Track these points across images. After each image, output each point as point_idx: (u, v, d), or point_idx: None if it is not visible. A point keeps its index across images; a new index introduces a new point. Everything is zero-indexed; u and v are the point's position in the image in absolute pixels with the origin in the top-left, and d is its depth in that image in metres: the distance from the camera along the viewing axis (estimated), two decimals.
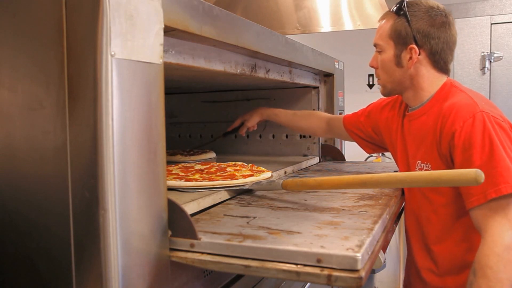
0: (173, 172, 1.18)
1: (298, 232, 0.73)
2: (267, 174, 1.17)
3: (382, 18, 1.26)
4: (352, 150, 1.56)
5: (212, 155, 1.74)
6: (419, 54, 1.18)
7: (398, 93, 1.30)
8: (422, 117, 1.23)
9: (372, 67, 1.31)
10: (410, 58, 1.19)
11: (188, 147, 1.89)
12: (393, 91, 1.29)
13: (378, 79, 1.30)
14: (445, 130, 1.12)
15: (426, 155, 1.20)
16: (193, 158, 1.62)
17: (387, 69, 1.25)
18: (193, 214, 0.86)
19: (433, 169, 1.16)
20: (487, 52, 2.77)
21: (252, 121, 1.67)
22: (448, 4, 2.83)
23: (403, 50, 1.20)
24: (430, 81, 1.22)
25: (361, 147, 1.54)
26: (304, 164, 1.56)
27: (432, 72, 1.22)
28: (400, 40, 1.19)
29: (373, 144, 1.51)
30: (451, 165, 1.12)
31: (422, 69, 1.21)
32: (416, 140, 1.25)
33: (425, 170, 1.19)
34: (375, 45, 1.27)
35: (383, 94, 1.32)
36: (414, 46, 1.18)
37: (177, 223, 0.72)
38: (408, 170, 1.29)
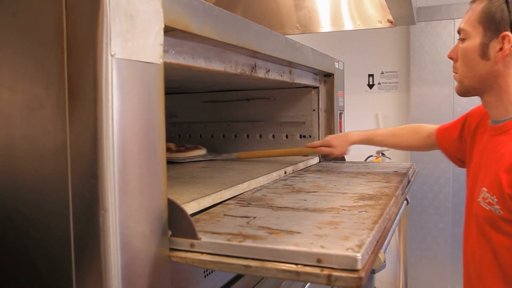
0: None
1: (298, 232, 0.73)
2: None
3: (474, 0, 1.02)
4: (352, 150, 1.56)
5: (202, 151, 1.67)
6: None
7: (477, 93, 1.05)
8: (501, 135, 0.99)
9: (450, 58, 1.08)
10: (501, 49, 0.95)
11: None
12: (471, 89, 1.03)
13: (455, 73, 1.07)
14: None
15: (492, 186, 0.97)
16: (180, 155, 1.57)
17: (468, 61, 1.00)
18: (193, 214, 0.86)
19: (501, 207, 0.94)
20: None
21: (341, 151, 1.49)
22: (448, 4, 2.84)
23: (493, 38, 0.96)
24: None
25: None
26: (304, 164, 1.56)
27: None
28: (492, 25, 0.96)
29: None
30: None
31: None
32: (488, 161, 1.02)
33: (489, 203, 0.97)
34: (458, 32, 1.04)
35: (458, 93, 1.07)
36: (509, 33, 0.94)
37: (177, 223, 0.72)
38: (472, 195, 1.07)
